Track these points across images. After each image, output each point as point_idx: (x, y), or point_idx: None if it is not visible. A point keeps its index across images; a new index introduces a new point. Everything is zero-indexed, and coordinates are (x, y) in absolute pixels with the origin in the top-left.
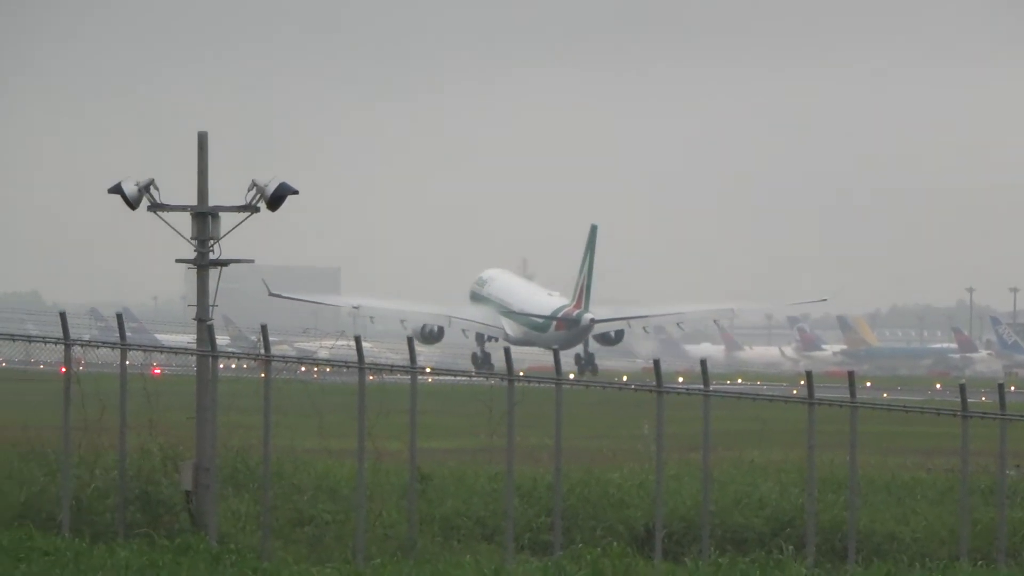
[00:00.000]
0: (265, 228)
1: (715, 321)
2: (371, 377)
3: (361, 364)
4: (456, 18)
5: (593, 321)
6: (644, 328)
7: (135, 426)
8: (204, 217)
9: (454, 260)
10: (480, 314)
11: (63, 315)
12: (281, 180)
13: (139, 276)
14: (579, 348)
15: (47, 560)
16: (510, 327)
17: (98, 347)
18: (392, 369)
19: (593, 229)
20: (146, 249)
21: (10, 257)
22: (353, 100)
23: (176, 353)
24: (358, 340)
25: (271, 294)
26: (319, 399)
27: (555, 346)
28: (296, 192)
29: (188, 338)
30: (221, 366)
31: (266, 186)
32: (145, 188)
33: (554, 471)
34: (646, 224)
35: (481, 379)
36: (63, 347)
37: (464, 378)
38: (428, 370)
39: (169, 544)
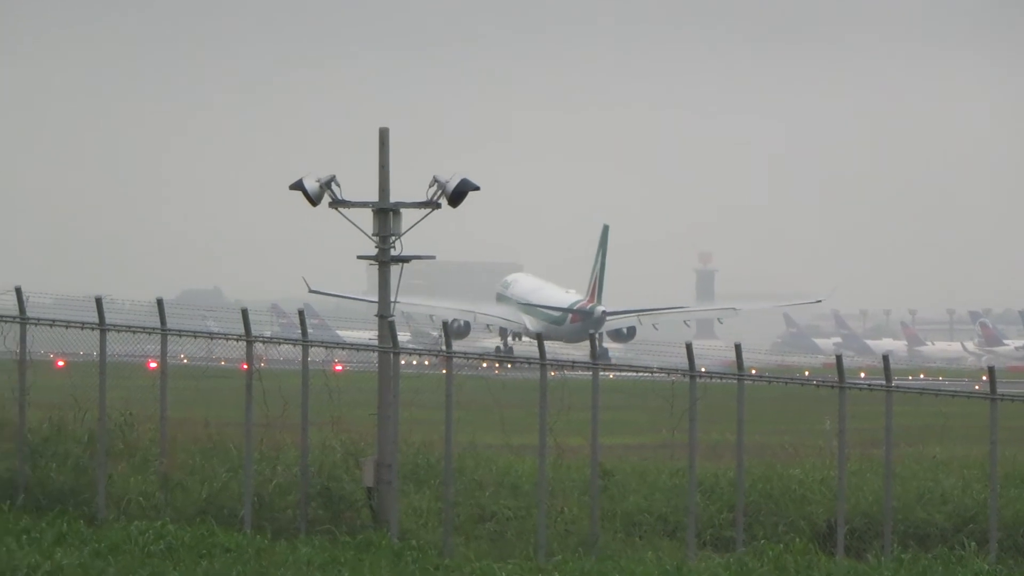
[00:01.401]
0: (445, 223)
1: (718, 320)
2: (552, 373)
3: (543, 360)
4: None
5: (605, 313)
6: (654, 325)
7: (317, 422)
8: (385, 213)
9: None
10: (503, 311)
11: (245, 312)
12: (462, 176)
13: (320, 272)
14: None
15: (229, 556)
16: (530, 322)
17: (280, 344)
18: (573, 365)
19: (605, 229)
20: (327, 245)
21: (192, 253)
22: (527, 98)
23: (358, 350)
24: (539, 337)
25: (311, 291)
26: (500, 395)
27: (571, 338)
28: (477, 188)
29: (369, 334)
30: (403, 362)
31: (447, 182)
32: (326, 184)
33: (736, 467)
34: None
35: (662, 375)
36: (245, 344)
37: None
38: (613, 365)
39: (351, 540)
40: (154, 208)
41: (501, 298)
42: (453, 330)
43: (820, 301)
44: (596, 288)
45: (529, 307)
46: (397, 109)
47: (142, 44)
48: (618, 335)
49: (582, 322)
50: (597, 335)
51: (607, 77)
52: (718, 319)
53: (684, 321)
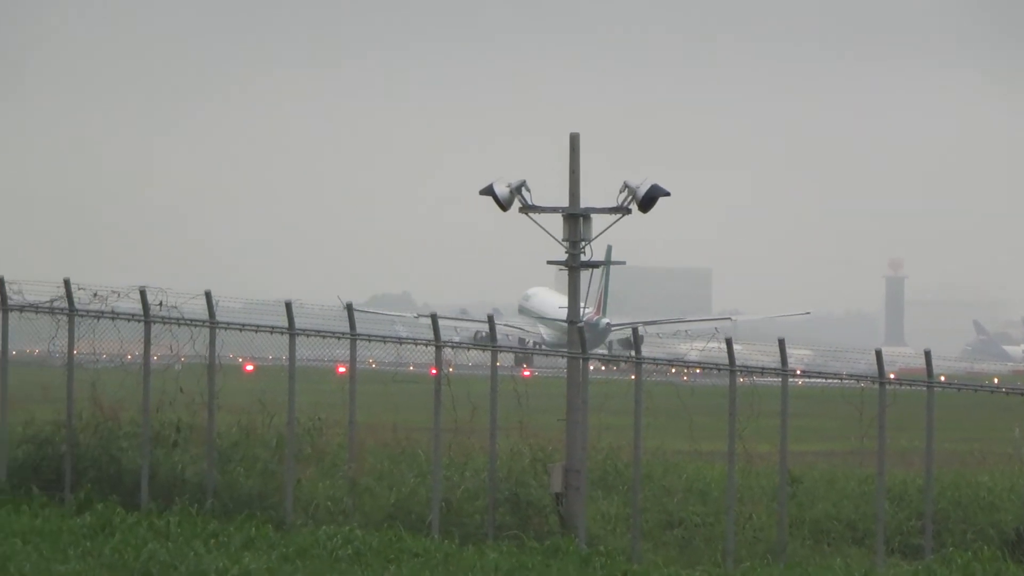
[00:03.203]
0: (634, 229)
1: (715, 329)
2: (742, 379)
3: (732, 367)
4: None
5: (609, 325)
6: (659, 334)
7: (505, 428)
8: (575, 219)
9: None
10: (523, 323)
11: (434, 317)
12: (653, 182)
13: (508, 277)
14: (603, 349)
15: (417, 561)
16: (546, 332)
17: (468, 349)
18: (763, 372)
19: (608, 249)
20: (516, 250)
21: (383, 259)
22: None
23: (547, 355)
24: (729, 343)
25: (346, 307)
26: (689, 401)
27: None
28: (668, 194)
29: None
30: (591, 368)
31: (638, 188)
32: (517, 190)
33: (925, 474)
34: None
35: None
36: (434, 349)
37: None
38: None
39: (538, 546)
40: (344, 213)
41: (522, 310)
42: (477, 340)
43: (808, 313)
44: (601, 302)
45: (544, 319)
46: (582, 113)
47: (334, 48)
48: (626, 344)
49: (589, 332)
50: (611, 342)
51: (809, 80)
52: (715, 328)
53: (686, 331)
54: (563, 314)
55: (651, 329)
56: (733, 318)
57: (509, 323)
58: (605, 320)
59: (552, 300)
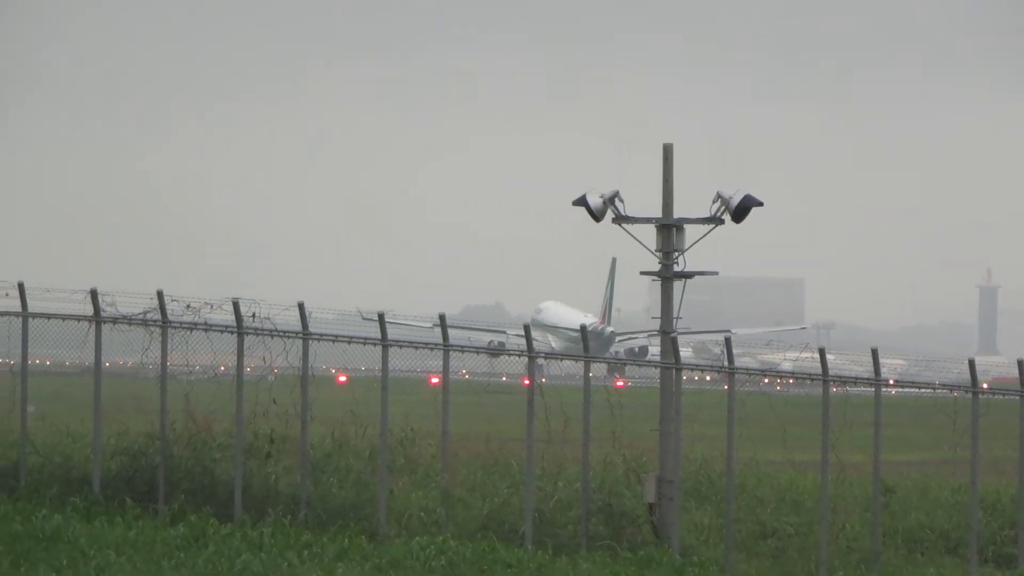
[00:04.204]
0: (727, 240)
1: (718, 343)
2: (835, 389)
3: (825, 377)
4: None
5: (613, 334)
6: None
7: (598, 438)
8: (668, 229)
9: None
10: (533, 333)
11: (527, 327)
12: (746, 192)
13: (599, 287)
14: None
15: (510, 572)
16: (554, 341)
17: (560, 359)
18: (856, 381)
19: (613, 261)
20: (608, 260)
21: (475, 272)
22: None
23: (639, 365)
24: (822, 352)
25: (364, 318)
26: (782, 411)
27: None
28: (761, 204)
29: (651, 350)
30: (684, 378)
31: (731, 198)
32: (610, 200)
33: (1018, 483)
34: None
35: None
36: (526, 359)
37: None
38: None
39: (632, 557)
40: (434, 225)
41: (534, 322)
42: (491, 349)
43: (804, 328)
44: (606, 312)
45: (554, 329)
46: (675, 123)
47: (420, 55)
48: (631, 354)
49: (594, 341)
50: (617, 352)
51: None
52: (715, 341)
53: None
54: (572, 323)
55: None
56: (733, 331)
57: (520, 334)
58: (610, 329)
59: (562, 313)
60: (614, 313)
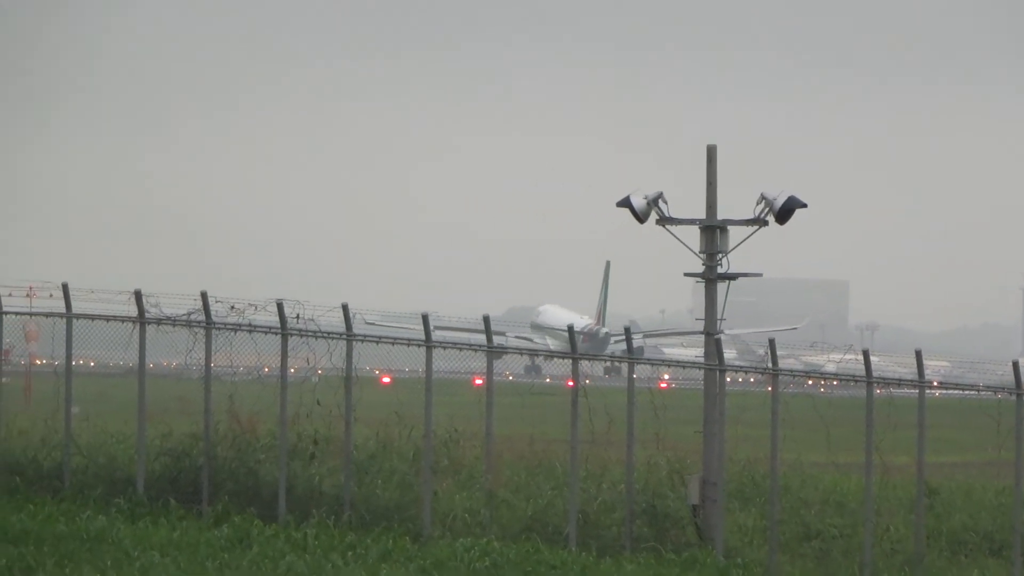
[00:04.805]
0: (772, 240)
1: (762, 344)
2: (879, 391)
3: (869, 379)
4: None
5: (608, 334)
6: (657, 345)
7: (642, 440)
8: (712, 231)
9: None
10: (533, 335)
11: (571, 328)
12: (790, 193)
13: (647, 289)
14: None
15: (554, 573)
16: (552, 343)
17: (606, 361)
18: (900, 383)
19: (607, 264)
20: (653, 262)
21: (514, 274)
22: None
23: (684, 367)
24: (866, 354)
25: (367, 323)
26: (826, 412)
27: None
28: (804, 206)
29: (695, 352)
30: (728, 379)
31: (775, 200)
32: (654, 202)
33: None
34: None
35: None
36: (570, 361)
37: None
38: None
39: (676, 558)
40: (477, 226)
41: (533, 325)
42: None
43: (796, 328)
44: (601, 314)
45: (552, 331)
46: (718, 125)
47: (455, 63)
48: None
49: (590, 342)
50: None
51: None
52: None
53: (682, 344)
54: (568, 325)
55: (649, 341)
56: (725, 332)
57: (520, 335)
58: (604, 330)
59: (559, 315)
60: (610, 314)
